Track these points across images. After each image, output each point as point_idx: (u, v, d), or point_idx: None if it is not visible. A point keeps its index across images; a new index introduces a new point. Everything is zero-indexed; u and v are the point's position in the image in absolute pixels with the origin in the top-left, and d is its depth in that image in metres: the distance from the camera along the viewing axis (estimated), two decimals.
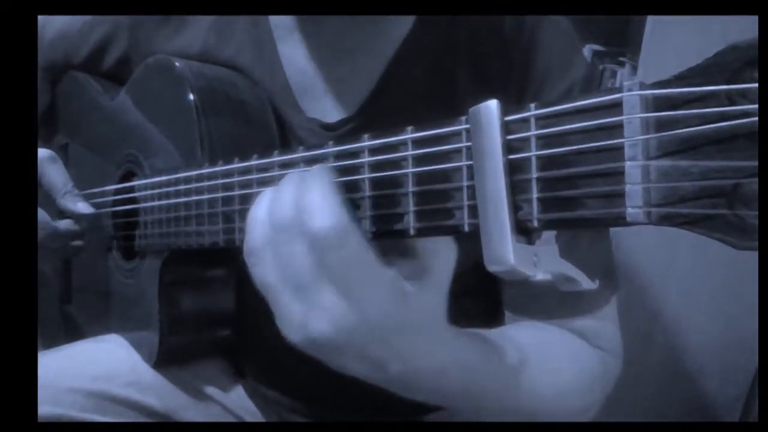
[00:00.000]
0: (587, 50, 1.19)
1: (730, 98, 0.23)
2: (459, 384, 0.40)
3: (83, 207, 0.63)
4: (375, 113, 0.56)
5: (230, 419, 0.65)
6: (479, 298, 0.58)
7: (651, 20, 1.06)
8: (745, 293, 1.10)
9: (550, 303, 0.54)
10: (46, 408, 0.55)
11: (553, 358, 0.51)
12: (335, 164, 0.37)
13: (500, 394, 0.44)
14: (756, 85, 0.22)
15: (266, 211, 0.34)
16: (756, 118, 0.22)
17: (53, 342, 0.68)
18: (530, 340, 0.49)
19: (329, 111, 0.57)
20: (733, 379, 1.21)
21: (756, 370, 1.16)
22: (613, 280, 0.56)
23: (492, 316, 0.57)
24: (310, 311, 0.32)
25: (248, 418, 0.66)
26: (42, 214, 0.61)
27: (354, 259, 0.31)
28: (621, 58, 1.12)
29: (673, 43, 1.05)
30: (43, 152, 0.62)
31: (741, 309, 1.15)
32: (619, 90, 0.25)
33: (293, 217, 0.32)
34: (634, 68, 1.09)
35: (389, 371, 0.35)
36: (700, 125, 0.23)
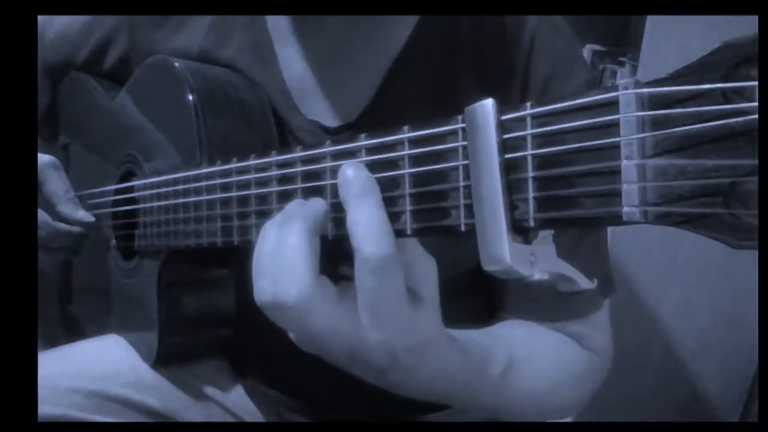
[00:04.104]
0: (587, 50, 1.19)
1: (726, 96, 0.23)
2: (449, 386, 0.43)
3: (83, 215, 0.64)
4: (376, 118, 0.54)
5: (230, 419, 0.65)
6: (469, 299, 0.59)
7: (651, 20, 1.06)
8: (746, 293, 1.10)
9: (547, 308, 0.55)
10: (47, 408, 0.55)
11: (541, 356, 0.53)
12: (332, 164, 0.37)
13: (488, 394, 0.47)
14: (753, 83, 0.22)
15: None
16: (755, 116, 0.22)
17: (53, 342, 0.68)
18: (519, 338, 0.52)
19: (329, 115, 0.56)
20: (733, 379, 1.21)
21: (756, 370, 1.16)
22: (607, 286, 0.57)
23: (481, 317, 0.58)
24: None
25: (248, 418, 0.66)
26: (43, 215, 0.61)
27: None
28: (621, 58, 1.12)
29: (673, 43, 1.05)
30: (46, 158, 0.62)
31: (741, 309, 1.15)
32: (615, 88, 0.25)
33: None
34: (634, 68, 1.09)
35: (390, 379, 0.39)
36: (697, 123, 0.23)
